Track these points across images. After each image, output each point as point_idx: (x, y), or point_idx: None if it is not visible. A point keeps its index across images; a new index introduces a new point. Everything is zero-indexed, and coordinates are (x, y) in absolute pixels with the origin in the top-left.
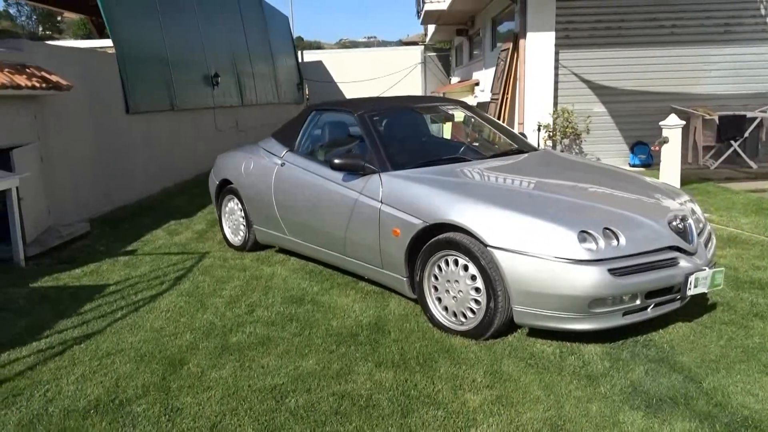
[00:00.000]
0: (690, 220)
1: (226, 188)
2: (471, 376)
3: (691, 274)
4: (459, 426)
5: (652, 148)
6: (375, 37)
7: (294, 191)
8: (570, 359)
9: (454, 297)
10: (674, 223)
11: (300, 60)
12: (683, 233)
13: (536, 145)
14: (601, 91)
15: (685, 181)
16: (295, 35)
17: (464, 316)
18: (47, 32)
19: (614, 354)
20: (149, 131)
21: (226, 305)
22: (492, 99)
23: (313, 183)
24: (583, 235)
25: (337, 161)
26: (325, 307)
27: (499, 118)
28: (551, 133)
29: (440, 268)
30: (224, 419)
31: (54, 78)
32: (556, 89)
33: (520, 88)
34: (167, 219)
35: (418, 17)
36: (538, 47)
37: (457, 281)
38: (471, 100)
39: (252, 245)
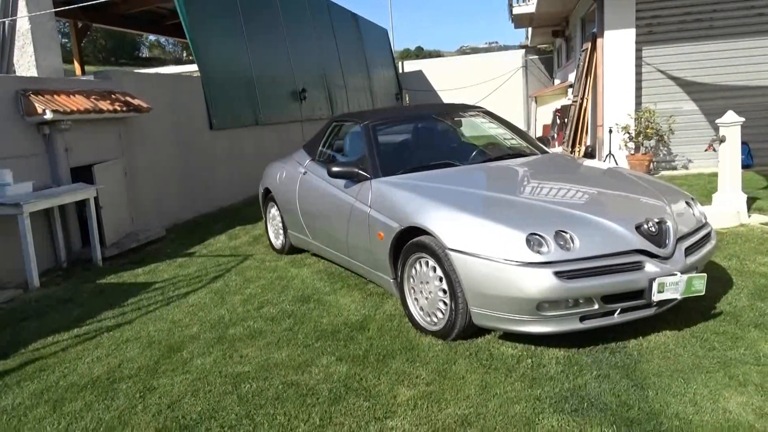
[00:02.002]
0: (669, 224)
1: (268, 196)
2: (417, 373)
3: (656, 279)
4: (377, 416)
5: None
6: (496, 42)
7: (312, 198)
8: (526, 362)
9: (426, 298)
10: (645, 227)
11: (401, 70)
12: (656, 236)
13: (596, 149)
14: (691, 88)
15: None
16: (414, 45)
17: (435, 316)
18: (190, 57)
19: (575, 358)
20: (233, 146)
21: (242, 302)
22: (573, 102)
23: (324, 190)
24: (533, 238)
25: (333, 169)
26: (325, 306)
27: (578, 122)
28: (631, 135)
29: (415, 270)
30: (183, 398)
31: (136, 102)
32: (638, 88)
33: (599, 89)
34: (234, 225)
35: (510, 21)
36: (617, 45)
37: (428, 282)
38: (566, 103)
39: (289, 249)
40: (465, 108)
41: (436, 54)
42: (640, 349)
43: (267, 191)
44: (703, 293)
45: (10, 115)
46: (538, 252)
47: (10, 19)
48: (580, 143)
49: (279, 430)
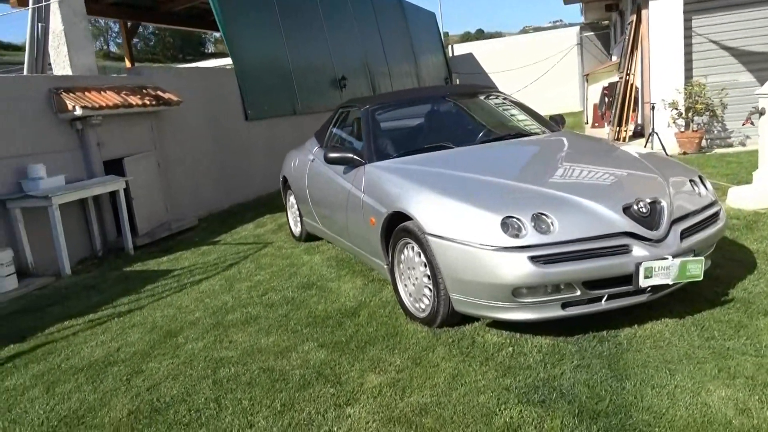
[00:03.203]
0: (663, 204)
1: (286, 184)
2: (391, 360)
3: (644, 262)
4: (338, 403)
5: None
6: (561, 21)
7: (319, 184)
8: (507, 350)
9: (414, 284)
10: (635, 207)
11: (451, 54)
12: (647, 218)
13: (645, 128)
14: (747, 58)
15: None
16: (474, 29)
17: (422, 302)
18: None
19: (559, 347)
20: (269, 135)
21: (248, 288)
22: (619, 78)
23: (327, 176)
24: (509, 221)
25: (329, 155)
26: (326, 292)
27: (624, 100)
28: (680, 111)
29: (404, 256)
30: (163, 382)
31: (166, 95)
32: (688, 61)
33: (645, 63)
34: (264, 213)
35: None
36: (664, 15)
37: (414, 268)
38: (615, 81)
39: (306, 236)
40: (476, 89)
41: (498, 36)
42: (631, 338)
43: (285, 179)
44: (700, 278)
45: (44, 113)
46: (515, 236)
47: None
48: (626, 122)
49: (241, 415)
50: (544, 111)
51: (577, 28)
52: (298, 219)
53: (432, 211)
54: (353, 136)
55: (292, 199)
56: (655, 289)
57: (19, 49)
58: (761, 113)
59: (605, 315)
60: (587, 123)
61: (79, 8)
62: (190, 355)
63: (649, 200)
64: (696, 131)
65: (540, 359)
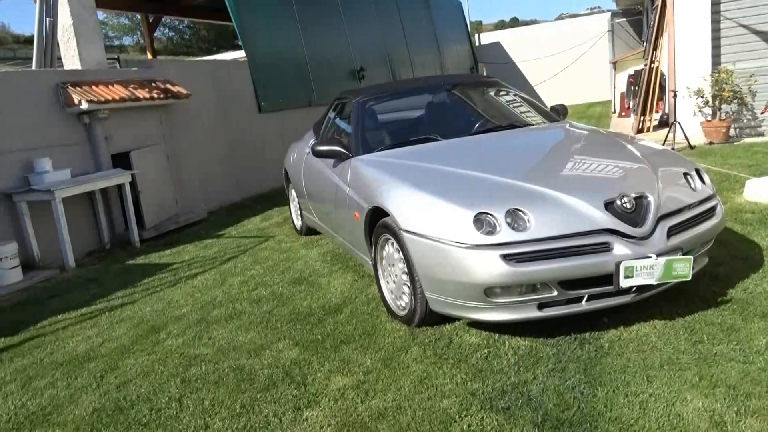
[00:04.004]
0: (650, 199)
1: (288, 177)
2: (362, 361)
3: (624, 261)
4: (298, 406)
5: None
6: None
7: (312, 178)
8: (482, 352)
9: (394, 281)
10: (619, 203)
11: (478, 43)
12: (631, 214)
13: (666, 115)
14: None
15: None
16: (509, 17)
17: (403, 300)
18: None
19: (537, 349)
20: (283, 128)
21: (240, 283)
22: (644, 66)
23: (319, 170)
24: (482, 218)
25: (317, 148)
26: (315, 287)
27: (648, 88)
28: (707, 99)
29: (385, 252)
30: (134, 380)
31: (175, 89)
32: (716, 46)
33: (670, 49)
34: (273, 206)
35: None
36: None
37: (393, 265)
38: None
39: (306, 230)
40: (475, 79)
41: (533, 22)
42: (614, 340)
43: (286, 172)
44: (689, 278)
45: (52, 107)
46: (489, 233)
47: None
48: (651, 111)
49: (199, 416)
50: (573, 101)
51: (608, 14)
52: (299, 212)
53: (407, 206)
54: (347, 128)
55: (293, 193)
56: (641, 289)
57: None
58: None
59: (591, 315)
60: (614, 112)
61: (89, 2)
62: (166, 352)
63: (634, 195)
64: (723, 120)
65: (514, 362)
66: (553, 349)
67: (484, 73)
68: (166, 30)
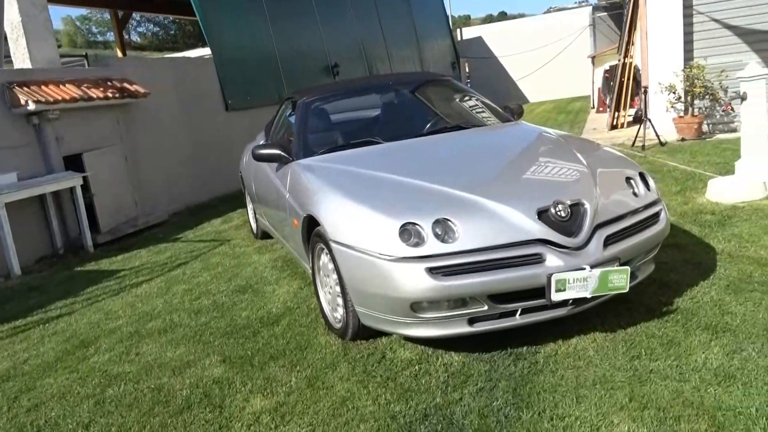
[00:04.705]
0: (587, 206)
1: (243, 180)
2: (286, 380)
3: (555, 274)
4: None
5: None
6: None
7: (259, 181)
8: (413, 369)
9: (329, 292)
10: (553, 211)
11: (460, 38)
12: (566, 223)
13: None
14: (752, 38)
15: None
16: (497, 11)
17: (338, 312)
18: None
19: (469, 366)
20: (252, 126)
21: (184, 292)
22: (618, 61)
23: (265, 173)
24: (409, 228)
25: (256, 151)
26: (259, 296)
27: (622, 84)
28: (679, 95)
29: (322, 262)
30: (47, 402)
31: (133, 88)
32: (688, 42)
33: (642, 45)
34: (236, 208)
35: None
36: None
37: (328, 276)
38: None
39: (261, 234)
40: (426, 77)
41: (521, 16)
42: (551, 356)
43: (241, 176)
44: (626, 290)
45: None
46: (415, 245)
47: None
48: (625, 108)
49: None
50: (556, 96)
51: (589, 9)
52: (255, 216)
53: (336, 216)
54: (291, 129)
55: (248, 196)
56: (578, 302)
57: None
58: (743, 98)
59: (533, 328)
60: (593, 107)
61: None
62: (89, 370)
63: (570, 202)
64: (695, 116)
65: (444, 380)
66: (487, 365)
67: (466, 69)
68: (151, 25)
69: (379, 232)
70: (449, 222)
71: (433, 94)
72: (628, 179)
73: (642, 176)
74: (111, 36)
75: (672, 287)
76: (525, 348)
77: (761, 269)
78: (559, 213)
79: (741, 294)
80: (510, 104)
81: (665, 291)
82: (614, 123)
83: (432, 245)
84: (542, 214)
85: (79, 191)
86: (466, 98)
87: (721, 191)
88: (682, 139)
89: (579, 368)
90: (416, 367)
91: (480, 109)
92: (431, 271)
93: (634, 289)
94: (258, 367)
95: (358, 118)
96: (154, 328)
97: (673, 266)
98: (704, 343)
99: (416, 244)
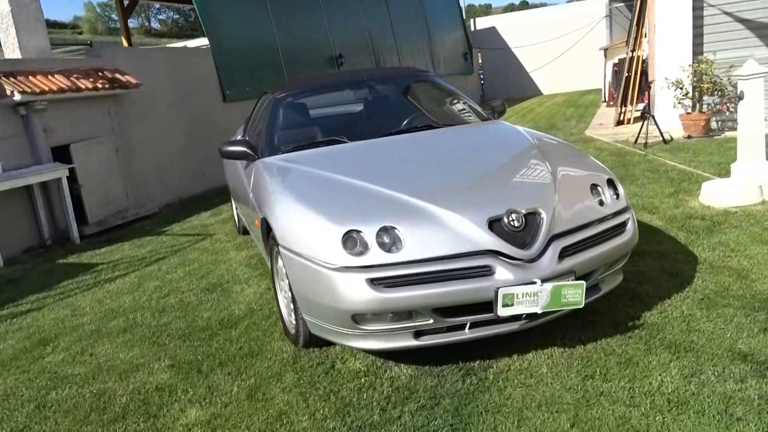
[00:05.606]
0: (543, 216)
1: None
2: (228, 390)
3: (502, 288)
4: None
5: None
6: None
7: (234, 177)
8: (360, 381)
9: (285, 297)
10: (506, 220)
11: (473, 28)
12: (519, 233)
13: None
14: (765, 32)
15: None
16: (519, 1)
17: (293, 317)
18: None
19: (416, 379)
20: None
21: (154, 289)
22: (626, 55)
23: (237, 170)
24: (353, 236)
25: (223, 148)
26: (226, 296)
27: (629, 79)
28: (687, 91)
29: (279, 264)
30: None
31: (124, 78)
32: (698, 35)
33: (651, 39)
34: (228, 200)
35: None
36: None
37: (284, 280)
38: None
39: (243, 229)
40: (404, 72)
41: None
42: (503, 371)
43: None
44: (581, 306)
45: None
46: (359, 253)
47: None
48: (632, 103)
49: None
50: (569, 88)
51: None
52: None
53: (286, 220)
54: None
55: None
56: (532, 316)
57: (65, 26)
58: (740, 97)
59: (490, 341)
60: (604, 101)
61: None
62: (40, 370)
63: (524, 211)
64: (703, 113)
65: (387, 395)
66: (434, 380)
67: (479, 60)
68: (171, 13)
69: (323, 239)
70: (395, 230)
71: (409, 91)
72: (594, 186)
73: (611, 183)
74: (132, 23)
75: (644, 299)
76: (477, 362)
77: (740, 282)
78: (512, 222)
79: (713, 309)
80: (493, 102)
81: (635, 303)
82: (620, 119)
83: (375, 255)
84: (494, 224)
85: (65, 182)
86: (445, 96)
87: (714, 194)
88: (689, 137)
89: (528, 387)
90: (362, 380)
91: (457, 108)
92: (372, 282)
93: (603, 301)
94: (204, 374)
95: (327, 116)
96: (115, 327)
97: (650, 276)
98: (663, 364)
99: (360, 253)
